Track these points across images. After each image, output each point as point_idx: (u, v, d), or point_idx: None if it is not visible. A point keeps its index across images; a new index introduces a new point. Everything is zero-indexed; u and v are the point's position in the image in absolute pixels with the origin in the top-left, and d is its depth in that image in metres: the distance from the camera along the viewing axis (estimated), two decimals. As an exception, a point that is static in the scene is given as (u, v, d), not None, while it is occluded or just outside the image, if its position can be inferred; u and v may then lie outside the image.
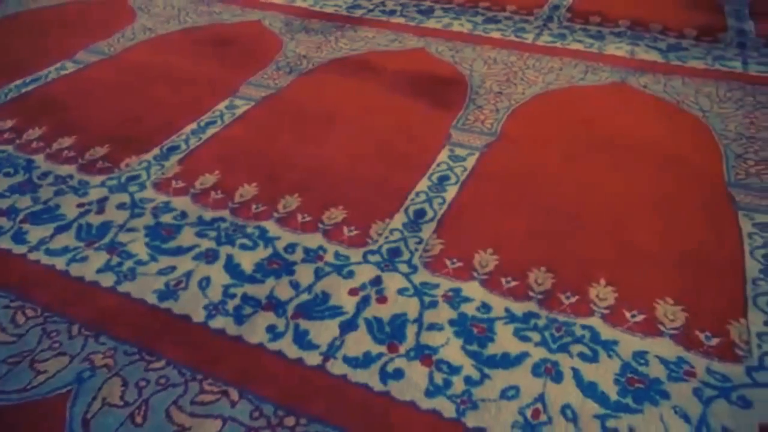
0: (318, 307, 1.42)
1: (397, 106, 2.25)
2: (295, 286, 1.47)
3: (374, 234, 1.63)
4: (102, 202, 1.76)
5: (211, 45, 2.74)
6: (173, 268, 1.52)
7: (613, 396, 1.22)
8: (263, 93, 2.33)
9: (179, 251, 1.58)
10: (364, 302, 1.43)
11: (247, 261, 1.55)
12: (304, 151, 1.99)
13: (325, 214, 1.70)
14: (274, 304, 1.42)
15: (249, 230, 1.65)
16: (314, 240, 1.61)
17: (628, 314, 1.39)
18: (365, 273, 1.51)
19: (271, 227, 1.66)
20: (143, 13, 3.08)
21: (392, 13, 3.07)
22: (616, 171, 1.87)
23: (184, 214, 1.71)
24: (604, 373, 1.26)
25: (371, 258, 1.55)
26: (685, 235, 1.62)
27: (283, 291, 1.46)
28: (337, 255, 1.56)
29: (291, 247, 1.59)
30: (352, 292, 1.45)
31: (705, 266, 1.52)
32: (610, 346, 1.32)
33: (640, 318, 1.38)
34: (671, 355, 1.30)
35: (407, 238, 1.61)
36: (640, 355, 1.30)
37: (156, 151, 1.99)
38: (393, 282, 1.48)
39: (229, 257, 1.56)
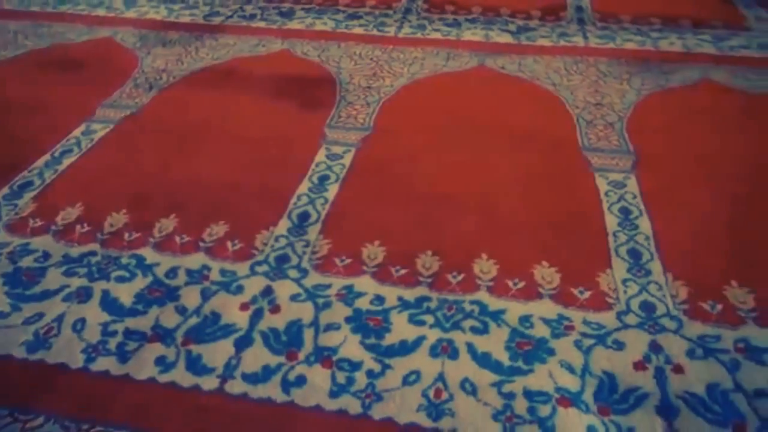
0: (209, 328, 1.36)
1: (268, 112, 2.21)
2: (181, 311, 1.41)
3: (260, 244, 1.60)
4: (-54, 255, 1.57)
5: (58, 68, 2.53)
6: (41, 315, 1.39)
7: (506, 362, 1.28)
8: (123, 113, 2.19)
9: (46, 295, 1.44)
10: (257, 315, 1.39)
11: (125, 294, 1.45)
12: (176, 169, 1.90)
13: (205, 231, 1.64)
14: (161, 334, 1.35)
15: (124, 261, 1.54)
16: (197, 260, 1.55)
17: (510, 283, 1.47)
18: (255, 285, 1.47)
19: (149, 254, 1.57)
20: (-28, 40, 2.78)
21: (252, 17, 3.00)
22: (485, 149, 1.97)
23: (47, 255, 1.56)
24: (495, 342, 1.33)
25: (259, 269, 1.52)
26: (552, 201, 1.74)
27: (169, 318, 1.39)
28: (223, 272, 1.51)
29: (172, 272, 1.51)
30: (243, 307, 1.41)
31: (572, 227, 1.64)
32: (497, 316, 1.39)
33: (521, 285, 1.47)
34: (552, 314, 1.39)
35: (294, 243, 1.60)
36: (526, 319, 1.38)
37: (5, 190, 1.80)
38: (284, 290, 1.46)
39: (105, 293, 1.45)
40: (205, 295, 1.44)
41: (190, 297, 1.44)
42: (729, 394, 1.20)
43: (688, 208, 1.70)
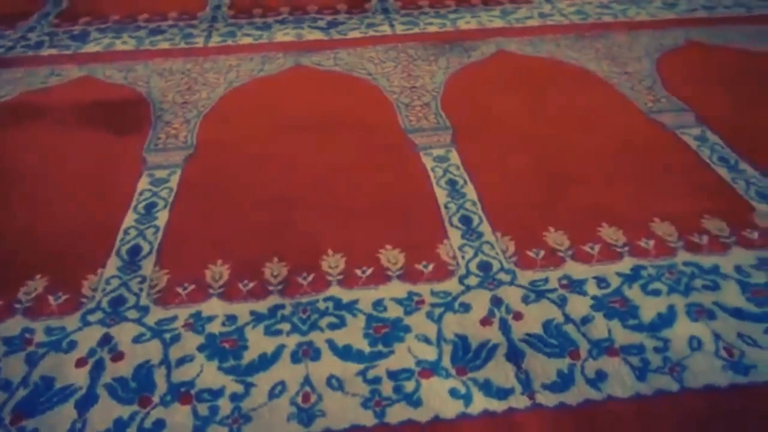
0: (42, 397, 1.21)
1: (76, 145, 2.02)
2: (4, 386, 1.23)
3: (88, 291, 1.45)
4: None
5: None
6: None
7: (367, 349, 1.31)
8: None
9: None
10: (98, 368, 1.27)
11: (-72, 384, 1.24)
12: (-29, 228, 1.66)
13: (20, 290, 1.45)
14: (-17, 418, 1.18)
15: None
16: (14, 325, 1.36)
17: (359, 272, 1.50)
18: (90, 336, 1.34)
19: (-49, 331, 1.36)
20: None
21: (40, 45, 2.71)
22: (316, 146, 1.98)
23: None
24: (353, 333, 1.35)
25: (92, 318, 1.38)
26: (386, 185, 1.80)
27: (-9, 398, 1.22)
28: (49, 330, 1.35)
29: (-14, 345, 1.32)
30: (80, 363, 1.28)
31: (407, 207, 1.72)
32: (352, 307, 1.41)
33: (369, 272, 1.50)
34: (402, 293, 1.44)
35: (128, 282, 1.48)
36: (379, 304, 1.42)
37: None
38: (125, 333, 1.35)
39: None
40: (32, 361, 1.28)
41: (13, 367, 1.27)
42: (561, 327, 1.34)
43: (503, 169, 1.86)
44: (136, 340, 1.33)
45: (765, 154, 1.87)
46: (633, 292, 1.42)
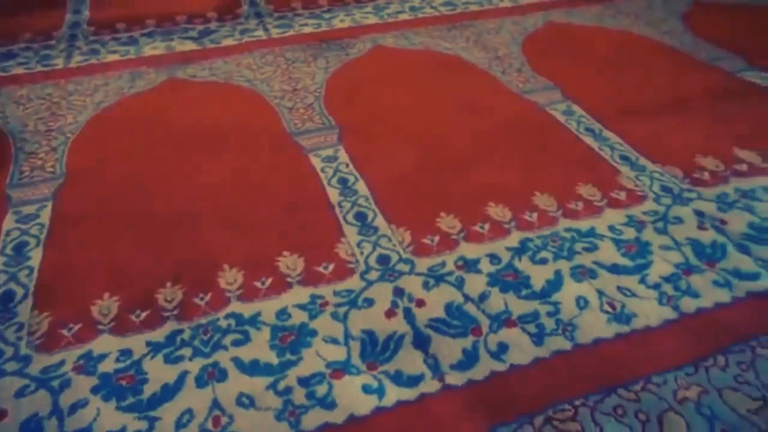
0: None
1: None
2: None
3: (-44, 350, 1.31)
4: None
5: None
6: None
7: (275, 360, 1.29)
8: None
9: None
10: (-23, 433, 1.15)
11: None
12: None
13: None
14: None
15: None
16: None
17: (258, 284, 1.47)
18: (-37, 400, 1.21)
19: None
20: None
21: None
22: (199, 160, 1.91)
23: None
24: (259, 347, 1.31)
25: (-37, 379, 1.25)
26: (277, 191, 1.77)
27: None
28: None
29: None
30: (-46, 431, 1.16)
31: (301, 211, 1.70)
32: (255, 320, 1.38)
33: (269, 282, 1.47)
34: (304, 297, 1.43)
35: (2, 332, 1.35)
36: (282, 313, 1.39)
37: None
38: (5, 389, 1.22)
39: None
40: None
41: None
42: (462, 307, 1.39)
43: (392, 161, 1.89)
44: (20, 393, 1.22)
45: (622, 119, 2.04)
46: (523, 264, 1.51)
